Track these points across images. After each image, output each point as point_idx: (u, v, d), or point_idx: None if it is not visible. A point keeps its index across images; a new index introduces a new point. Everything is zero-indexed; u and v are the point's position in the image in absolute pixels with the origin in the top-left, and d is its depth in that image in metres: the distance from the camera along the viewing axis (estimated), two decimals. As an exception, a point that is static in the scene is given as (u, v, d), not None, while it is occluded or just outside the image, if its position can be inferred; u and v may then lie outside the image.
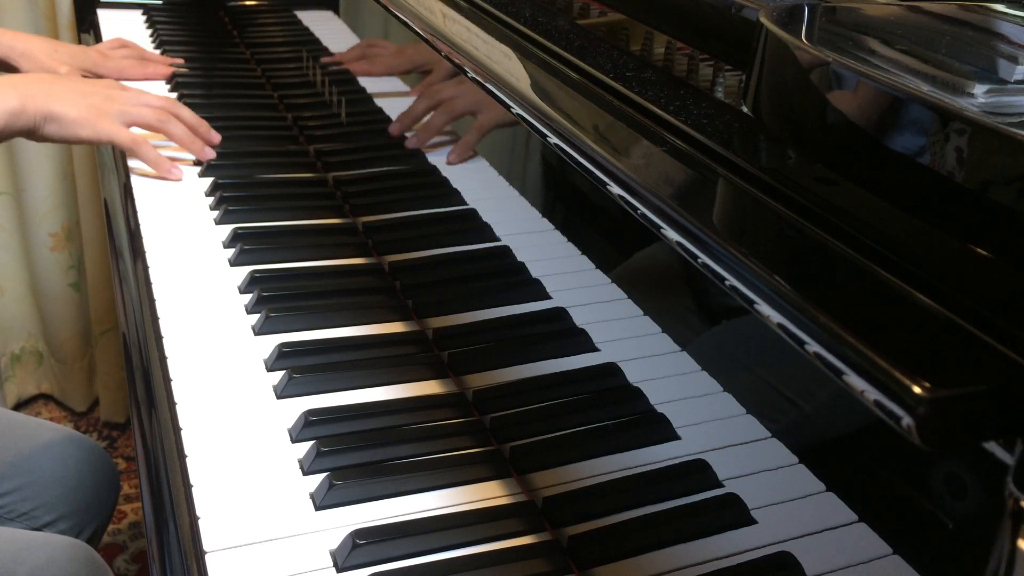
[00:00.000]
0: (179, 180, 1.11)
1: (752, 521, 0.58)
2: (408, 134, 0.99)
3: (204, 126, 1.16)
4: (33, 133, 1.04)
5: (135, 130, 1.10)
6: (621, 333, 0.70)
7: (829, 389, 0.49)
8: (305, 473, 0.70)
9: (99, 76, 1.33)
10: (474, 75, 0.79)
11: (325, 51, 1.30)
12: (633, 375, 0.68)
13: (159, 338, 0.84)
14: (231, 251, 0.98)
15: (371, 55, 1.15)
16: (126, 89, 1.14)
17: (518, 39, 0.81)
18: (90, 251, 1.90)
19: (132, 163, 1.14)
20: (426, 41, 0.90)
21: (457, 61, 0.82)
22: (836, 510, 0.50)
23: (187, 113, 1.15)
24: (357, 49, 1.20)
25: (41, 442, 1.12)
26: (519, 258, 0.82)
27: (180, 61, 1.43)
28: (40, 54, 1.27)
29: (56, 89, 1.05)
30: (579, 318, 0.75)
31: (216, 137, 1.17)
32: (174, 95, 1.34)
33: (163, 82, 1.39)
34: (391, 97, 1.09)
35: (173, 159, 1.13)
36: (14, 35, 1.29)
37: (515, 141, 0.83)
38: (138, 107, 1.10)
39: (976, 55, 0.58)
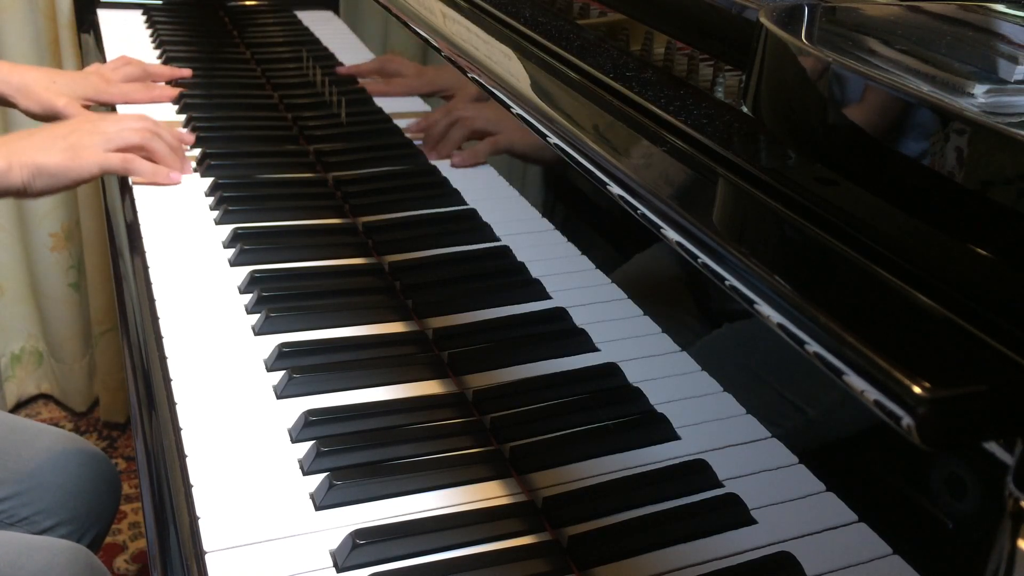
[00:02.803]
0: (178, 184, 1.11)
1: (752, 521, 0.58)
2: (419, 141, 0.98)
3: (180, 145, 1.15)
4: (26, 191, 1.01)
5: None
6: (621, 333, 0.70)
7: (829, 389, 0.49)
8: (305, 473, 0.70)
9: (101, 104, 1.30)
10: (474, 75, 0.79)
11: (325, 51, 1.30)
12: (633, 375, 0.68)
13: (159, 338, 0.84)
14: (231, 251, 0.98)
15: (389, 72, 1.14)
16: (104, 118, 1.11)
17: (518, 39, 0.81)
18: (90, 251, 1.90)
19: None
20: (426, 41, 0.90)
21: (457, 61, 0.82)
22: (836, 510, 0.50)
23: (164, 130, 1.13)
24: (374, 64, 1.18)
25: (42, 447, 1.12)
26: (519, 258, 0.82)
27: (187, 73, 1.40)
28: (37, 87, 1.23)
29: (36, 140, 1.03)
30: (579, 318, 0.74)
31: (190, 137, 1.19)
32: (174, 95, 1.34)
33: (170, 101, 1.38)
34: (392, 97, 1.09)
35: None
36: (10, 68, 1.25)
37: (515, 141, 0.83)
38: (119, 131, 1.08)
39: (976, 55, 0.58)
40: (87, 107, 1.27)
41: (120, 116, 1.13)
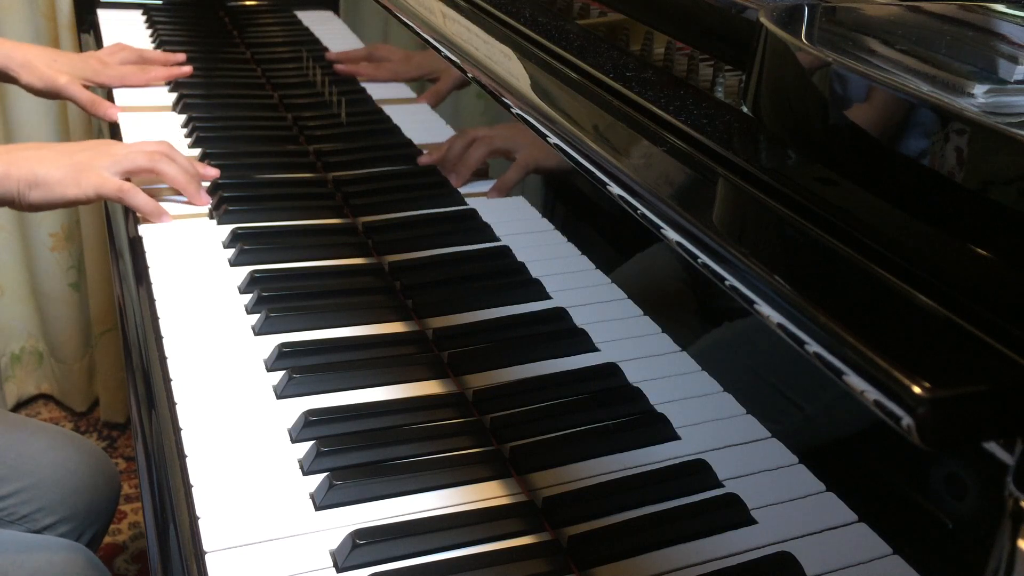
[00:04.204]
0: (168, 223, 1.04)
1: (752, 521, 0.58)
2: (436, 165, 0.97)
3: (198, 174, 1.09)
4: (18, 201, 0.98)
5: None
6: (621, 333, 0.70)
7: (829, 389, 0.49)
8: (305, 473, 0.70)
9: (100, 84, 1.32)
10: (474, 76, 0.79)
11: (325, 51, 1.30)
12: (633, 375, 0.68)
13: (159, 338, 0.84)
14: (231, 251, 0.98)
15: (377, 58, 1.14)
16: (120, 143, 1.08)
17: (518, 39, 0.81)
18: (90, 251, 1.90)
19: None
20: (426, 41, 0.90)
21: (457, 62, 0.82)
22: (836, 510, 0.50)
23: (181, 157, 1.08)
24: (363, 51, 1.19)
25: (41, 445, 1.12)
26: (519, 258, 0.82)
27: (181, 57, 1.42)
28: (39, 63, 1.26)
29: (42, 153, 1.00)
30: (579, 318, 0.74)
31: (213, 172, 1.10)
32: (174, 95, 1.35)
33: (164, 83, 1.39)
34: (393, 103, 1.09)
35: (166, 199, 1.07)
36: (13, 45, 1.27)
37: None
38: (128, 153, 1.03)
39: (976, 55, 0.58)
40: (87, 87, 1.29)
41: (137, 142, 1.08)
